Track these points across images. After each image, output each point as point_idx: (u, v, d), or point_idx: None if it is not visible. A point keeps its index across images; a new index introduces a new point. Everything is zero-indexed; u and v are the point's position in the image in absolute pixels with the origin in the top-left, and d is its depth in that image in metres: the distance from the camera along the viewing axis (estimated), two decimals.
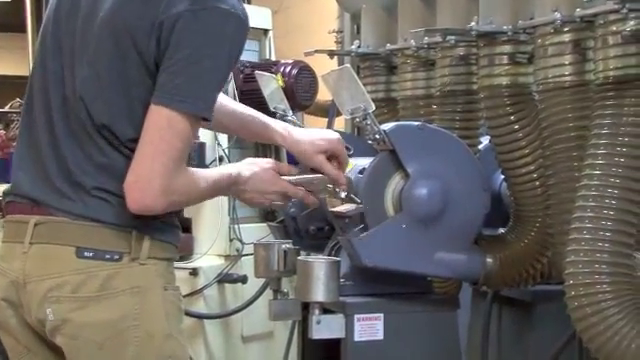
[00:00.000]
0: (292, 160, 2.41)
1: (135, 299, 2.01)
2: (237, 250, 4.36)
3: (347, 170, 2.66)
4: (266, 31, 4.63)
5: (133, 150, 1.98)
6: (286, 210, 2.88)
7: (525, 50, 2.52)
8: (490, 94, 2.57)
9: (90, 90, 2.01)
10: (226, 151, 4.37)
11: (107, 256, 2.01)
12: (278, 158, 4.64)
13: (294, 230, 2.90)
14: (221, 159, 4.35)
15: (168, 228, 2.08)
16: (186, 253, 4.30)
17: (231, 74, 4.27)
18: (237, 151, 4.50)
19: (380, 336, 2.53)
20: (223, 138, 4.37)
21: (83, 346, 2.01)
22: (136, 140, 1.98)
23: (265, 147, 4.65)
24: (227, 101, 2.31)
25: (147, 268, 2.03)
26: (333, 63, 3.44)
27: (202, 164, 4.18)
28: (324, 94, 4.17)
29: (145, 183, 1.95)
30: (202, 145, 4.32)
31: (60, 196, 2.03)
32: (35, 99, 2.09)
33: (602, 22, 2.16)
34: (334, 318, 2.50)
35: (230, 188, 2.16)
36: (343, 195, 2.29)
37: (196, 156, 4.24)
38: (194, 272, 4.23)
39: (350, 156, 2.80)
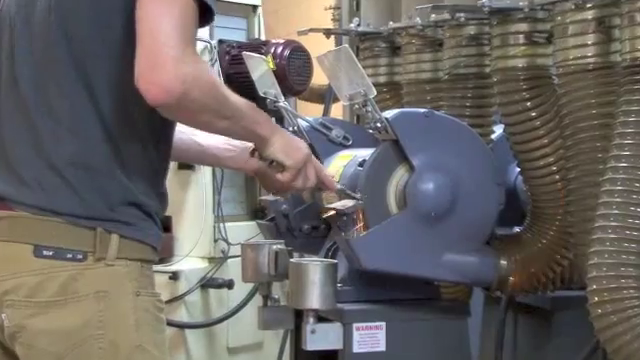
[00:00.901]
0: None
1: (100, 305, 1.99)
2: (222, 252, 4.36)
3: (345, 163, 2.67)
4: (255, 7, 4.63)
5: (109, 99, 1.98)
6: (277, 207, 2.89)
7: (543, 29, 2.52)
8: (504, 77, 2.58)
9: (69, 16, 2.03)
10: None
11: (69, 255, 1.99)
12: None
13: (286, 229, 2.91)
14: None
15: (143, 224, 2.05)
16: (166, 255, 4.30)
17: (215, 54, 4.28)
18: None
19: (382, 347, 2.54)
20: None
21: (39, 357, 2.00)
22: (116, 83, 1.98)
23: None
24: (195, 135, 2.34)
25: (115, 270, 2.01)
26: (330, 43, 3.44)
27: None
28: (320, 78, 4.16)
29: (155, 58, 1.90)
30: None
31: (21, 185, 2.02)
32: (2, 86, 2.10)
33: None
34: (331, 327, 2.50)
35: (251, 128, 2.08)
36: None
37: None
38: (174, 276, 4.23)
39: (349, 147, 2.82)
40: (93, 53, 2.01)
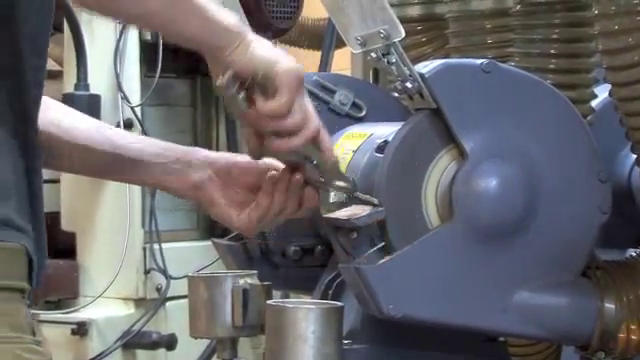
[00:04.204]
0: None
1: None
2: (158, 289, 4.39)
3: (356, 145, 2.69)
4: None
5: None
6: None
7: None
8: (611, 9, 2.59)
9: None
10: (138, 111, 4.39)
11: None
12: (234, 133, 4.67)
13: (261, 252, 2.92)
14: (130, 124, 4.37)
15: None
16: (67, 295, 4.32)
17: None
18: (157, 110, 4.52)
19: None
20: (133, 91, 4.39)
21: None
22: None
23: (209, 106, 4.67)
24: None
25: None
26: None
27: None
28: (314, 9, 4.19)
29: None
30: (95, 99, 4.33)
31: None
32: None
33: None
34: None
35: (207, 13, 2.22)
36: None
37: None
38: (80, 329, 4.26)
39: (361, 120, 2.84)
40: None
